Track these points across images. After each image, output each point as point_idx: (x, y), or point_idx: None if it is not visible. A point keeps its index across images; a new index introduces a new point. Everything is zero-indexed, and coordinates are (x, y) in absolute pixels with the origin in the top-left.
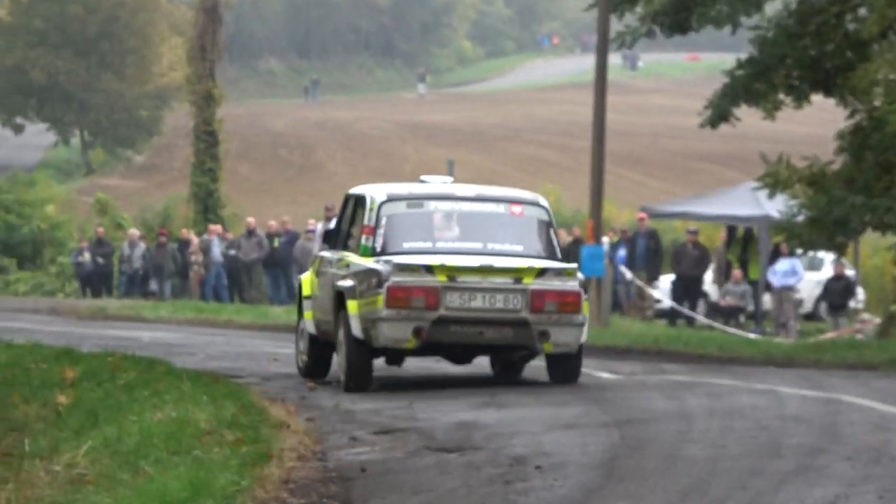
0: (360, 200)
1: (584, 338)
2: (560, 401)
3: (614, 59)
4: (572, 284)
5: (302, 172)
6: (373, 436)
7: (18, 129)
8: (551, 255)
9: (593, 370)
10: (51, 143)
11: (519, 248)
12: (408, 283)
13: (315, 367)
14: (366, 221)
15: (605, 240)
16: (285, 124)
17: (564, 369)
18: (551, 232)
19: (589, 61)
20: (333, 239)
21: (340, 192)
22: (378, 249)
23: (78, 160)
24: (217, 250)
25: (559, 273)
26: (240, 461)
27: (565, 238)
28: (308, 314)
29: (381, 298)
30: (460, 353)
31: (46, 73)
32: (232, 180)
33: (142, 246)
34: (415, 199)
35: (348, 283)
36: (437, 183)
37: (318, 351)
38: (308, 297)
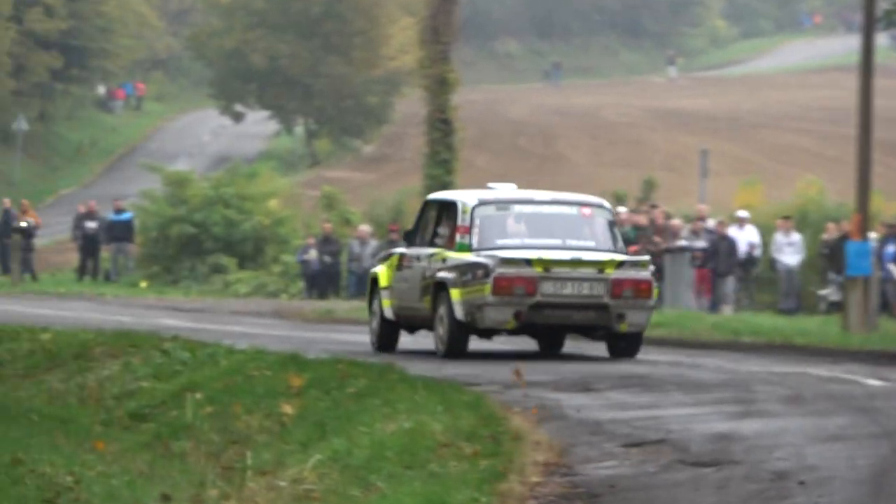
0: (445, 205)
1: (648, 318)
2: (824, 410)
3: (881, 39)
4: (645, 274)
5: (543, 163)
6: (622, 448)
7: (238, 118)
8: (618, 249)
9: (861, 377)
10: (273, 133)
11: (591, 244)
12: (510, 274)
13: (384, 343)
14: (459, 223)
15: (873, 235)
16: (524, 111)
17: (628, 346)
18: (615, 229)
19: (853, 42)
20: (412, 238)
21: (586, 186)
22: (475, 246)
23: (302, 150)
24: None
25: (635, 265)
26: (479, 476)
27: (831, 233)
28: (385, 302)
29: (488, 287)
30: (548, 333)
31: (267, 57)
32: (467, 172)
33: (372, 243)
34: (502, 203)
35: (449, 274)
36: (506, 189)
37: (388, 331)
38: (385, 288)
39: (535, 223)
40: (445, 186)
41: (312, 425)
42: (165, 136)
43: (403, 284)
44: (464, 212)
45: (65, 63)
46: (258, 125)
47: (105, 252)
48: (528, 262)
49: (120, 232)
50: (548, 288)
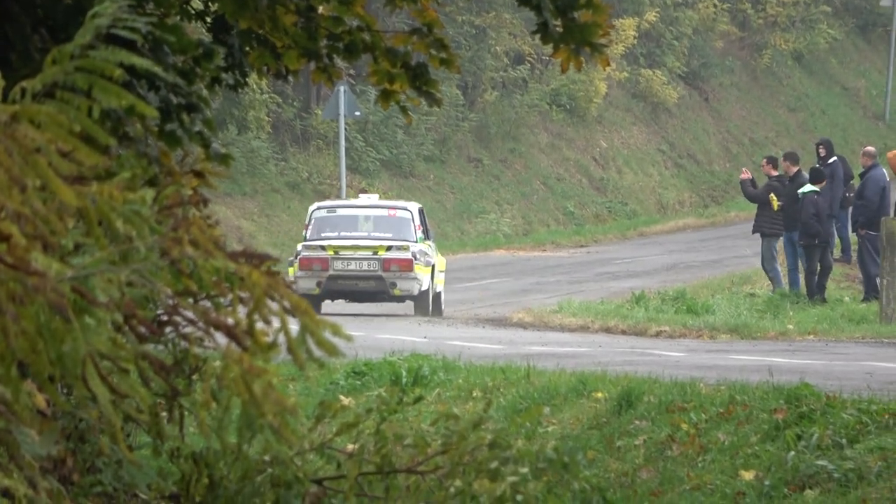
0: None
1: (420, 289)
2: None
3: None
4: (407, 255)
5: None
6: None
7: None
8: (410, 239)
9: None
10: None
11: (390, 235)
12: (310, 256)
13: None
14: (305, 221)
15: None
16: None
17: (421, 308)
18: (413, 225)
19: None
20: None
21: None
22: (307, 237)
23: None
24: None
25: (400, 248)
26: None
27: None
28: None
29: (296, 265)
30: (342, 297)
31: None
32: None
33: None
34: (332, 207)
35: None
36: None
37: None
38: None
39: (350, 222)
40: None
41: None
42: None
43: None
44: (309, 213)
45: None
46: None
47: None
48: (323, 248)
49: None
50: (338, 265)
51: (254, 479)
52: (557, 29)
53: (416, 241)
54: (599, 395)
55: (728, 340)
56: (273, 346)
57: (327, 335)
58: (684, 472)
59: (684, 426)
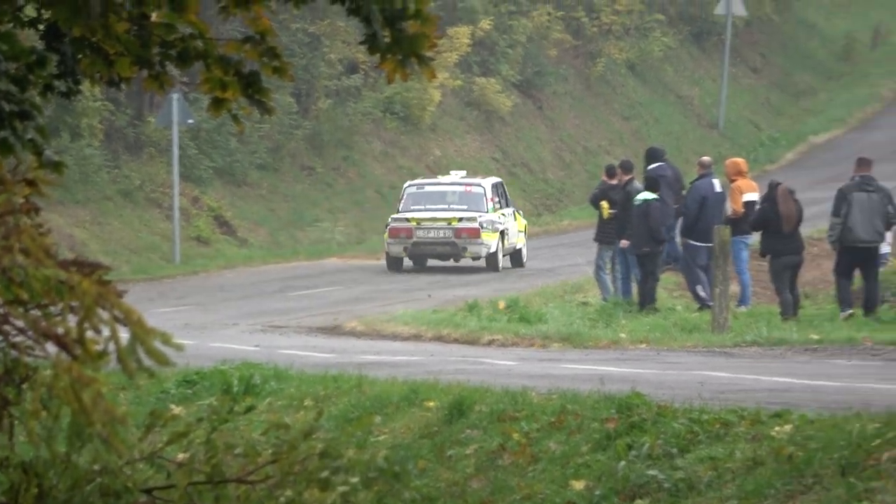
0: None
1: (489, 251)
2: None
3: None
4: (475, 224)
5: None
6: None
7: None
8: (483, 211)
9: None
10: None
11: (464, 207)
12: (397, 227)
13: None
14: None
15: None
16: None
17: (492, 265)
18: (485, 199)
19: None
20: None
21: None
22: (400, 210)
23: None
24: None
25: (469, 219)
26: None
27: None
28: None
29: (387, 233)
30: (424, 259)
31: None
32: None
33: None
34: (421, 184)
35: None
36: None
37: None
38: None
39: (435, 197)
40: None
41: None
42: None
43: None
44: (403, 189)
45: None
46: None
47: None
48: (407, 220)
49: None
50: (420, 234)
51: (83, 489)
52: (386, 39)
53: (488, 212)
54: (431, 403)
55: (560, 349)
56: (103, 354)
57: (157, 344)
58: (515, 481)
59: (515, 435)
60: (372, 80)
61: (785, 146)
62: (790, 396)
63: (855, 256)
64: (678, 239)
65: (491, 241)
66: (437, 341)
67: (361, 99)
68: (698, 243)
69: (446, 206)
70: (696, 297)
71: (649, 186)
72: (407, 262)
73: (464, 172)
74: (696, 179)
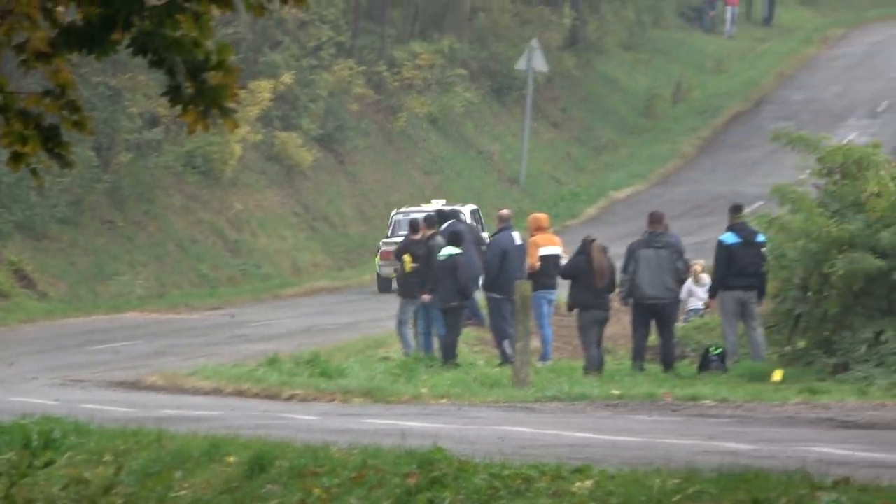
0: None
1: None
2: None
3: None
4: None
5: None
6: None
7: None
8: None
9: None
10: None
11: None
12: (387, 251)
13: None
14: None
15: None
16: None
17: None
18: (473, 223)
19: None
20: None
21: None
22: (388, 236)
23: None
24: None
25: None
26: None
27: None
28: None
29: (378, 256)
30: None
31: None
32: None
33: None
34: (405, 212)
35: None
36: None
37: None
38: None
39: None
40: None
41: None
42: (819, 76)
43: None
44: (391, 217)
45: None
46: None
47: None
48: (396, 244)
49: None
50: None
51: None
52: (188, 91)
53: None
54: (231, 459)
55: (362, 404)
56: None
57: None
58: None
59: (316, 491)
60: (173, 134)
61: (586, 201)
62: (591, 452)
63: (646, 312)
64: (479, 293)
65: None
66: (237, 396)
67: (163, 153)
68: (501, 296)
69: None
70: (502, 352)
71: (452, 241)
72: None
73: (444, 201)
74: (496, 233)
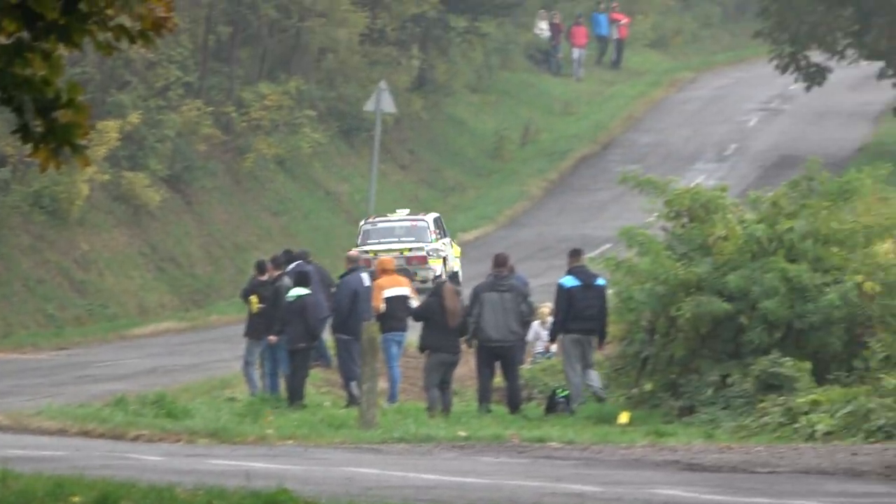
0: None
1: (435, 275)
2: None
3: None
4: (421, 252)
5: None
6: None
7: (815, 78)
8: (426, 241)
9: None
10: (889, 106)
11: (413, 239)
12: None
13: None
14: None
15: None
16: None
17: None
18: (428, 231)
19: None
20: None
21: None
22: (358, 244)
23: None
24: None
25: (418, 249)
26: None
27: None
28: None
29: None
30: None
31: None
32: None
33: None
34: (374, 221)
35: None
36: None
37: None
38: None
39: (386, 231)
40: None
41: None
42: (667, 120)
43: None
44: (360, 227)
45: None
46: (857, 91)
47: None
48: (367, 252)
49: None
50: None
51: None
52: (38, 129)
53: (431, 242)
54: (76, 499)
55: (207, 444)
56: None
57: None
58: None
59: None
60: (20, 174)
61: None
62: (438, 493)
63: (490, 355)
64: (327, 335)
65: (437, 266)
66: (83, 436)
67: (10, 192)
68: (350, 337)
69: (397, 239)
70: (349, 393)
71: (300, 282)
72: None
73: (407, 210)
74: (345, 274)
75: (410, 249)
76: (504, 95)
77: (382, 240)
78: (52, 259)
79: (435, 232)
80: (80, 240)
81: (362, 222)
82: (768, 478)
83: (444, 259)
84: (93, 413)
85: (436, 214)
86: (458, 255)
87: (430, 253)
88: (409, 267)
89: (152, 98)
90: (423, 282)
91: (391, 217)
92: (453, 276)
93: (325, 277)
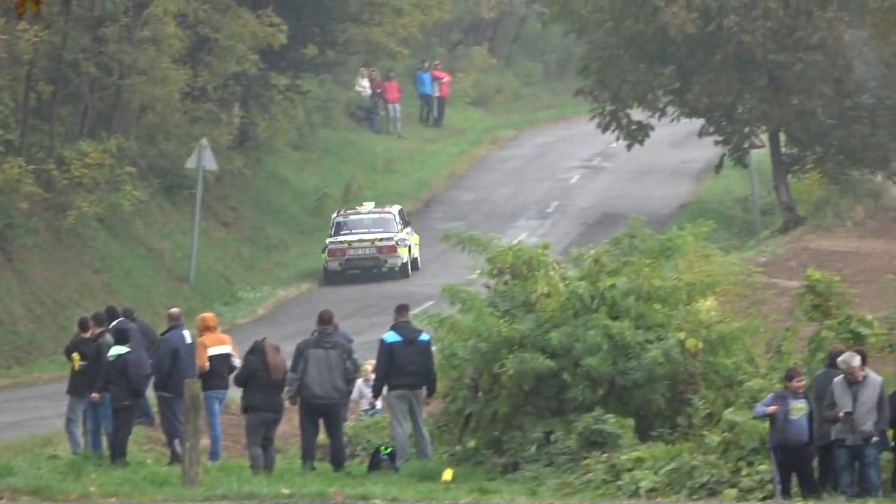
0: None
1: (402, 262)
2: None
3: None
4: (391, 241)
5: None
6: None
7: (636, 135)
8: (395, 232)
9: None
10: (707, 163)
11: (381, 230)
12: (333, 248)
13: None
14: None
15: None
16: None
17: (402, 273)
18: (395, 223)
19: None
20: None
21: None
22: (331, 235)
23: (767, 196)
24: None
25: (387, 239)
26: None
27: None
28: None
29: (326, 253)
30: (356, 271)
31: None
32: None
33: None
34: (346, 214)
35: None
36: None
37: None
38: None
39: (356, 223)
40: None
41: None
42: (489, 177)
43: None
44: (332, 219)
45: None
46: (678, 149)
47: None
48: (341, 242)
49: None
50: (351, 252)
51: None
52: None
53: (398, 232)
54: None
55: (29, 502)
56: None
57: None
58: None
59: None
60: None
61: (256, 301)
62: None
63: (314, 412)
64: (150, 392)
65: (403, 254)
66: None
67: None
68: (172, 395)
69: (366, 230)
70: (172, 450)
71: (120, 340)
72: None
73: (373, 203)
74: (166, 332)
75: (381, 239)
76: (326, 153)
77: (354, 230)
78: None
79: (399, 223)
80: None
81: (334, 215)
82: None
83: (409, 247)
84: None
85: (399, 207)
86: (418, 242)
87: (398, 242)
88: (380, 255)
89: None
90: (392, 268)
91: (360, 210)
92: (414, 262)
93: (149, 334)
